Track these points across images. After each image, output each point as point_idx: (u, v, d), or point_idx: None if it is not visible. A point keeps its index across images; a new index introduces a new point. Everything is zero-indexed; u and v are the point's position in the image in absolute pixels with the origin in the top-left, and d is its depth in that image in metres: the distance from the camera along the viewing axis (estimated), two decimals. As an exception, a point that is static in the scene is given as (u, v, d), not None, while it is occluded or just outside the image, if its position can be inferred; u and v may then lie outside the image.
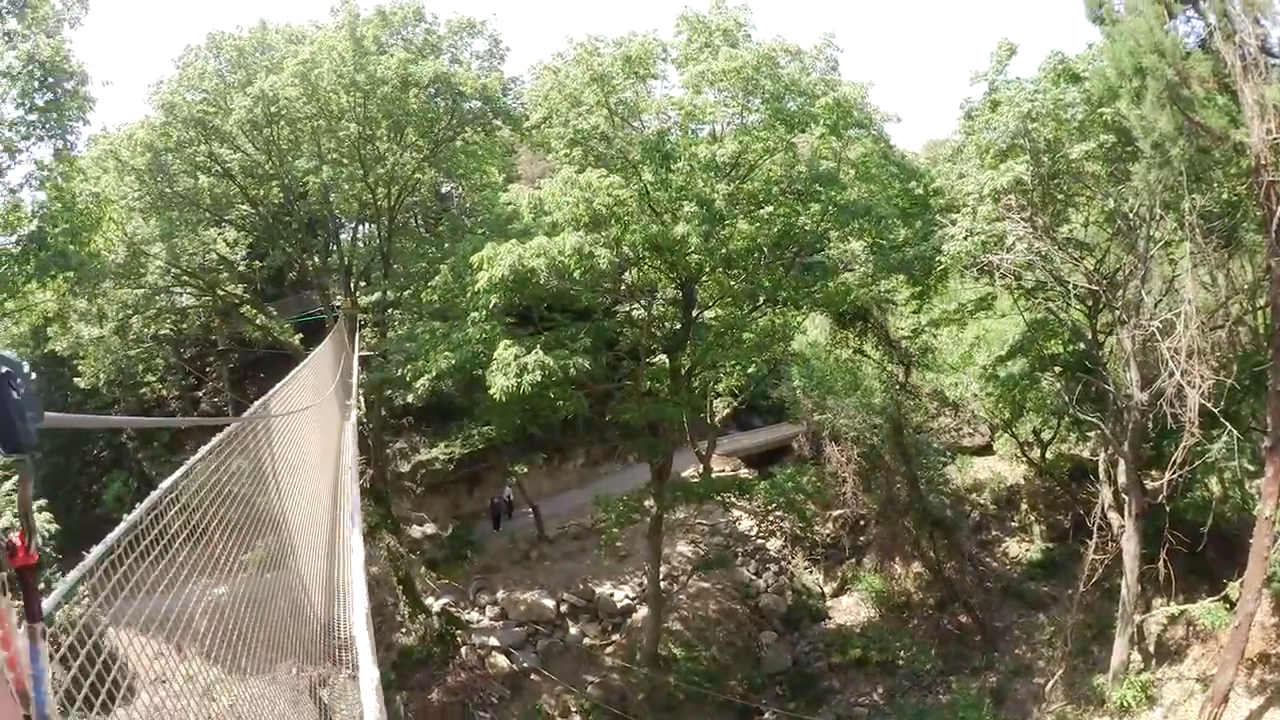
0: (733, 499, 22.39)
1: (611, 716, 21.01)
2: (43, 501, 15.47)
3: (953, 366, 25.68)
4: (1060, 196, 20.07)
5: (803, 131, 19.05)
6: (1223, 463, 17.72)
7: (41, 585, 1.35)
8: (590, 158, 19.03)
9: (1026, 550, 27.59)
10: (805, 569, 27.29)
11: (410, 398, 21.03)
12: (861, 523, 27.64)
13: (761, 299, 20.22)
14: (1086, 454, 25.83)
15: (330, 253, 24.64)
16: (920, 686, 23.80)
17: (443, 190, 26.08)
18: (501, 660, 22.31)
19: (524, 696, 21.82)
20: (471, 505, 28.15)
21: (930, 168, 23.01)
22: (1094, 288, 19.32)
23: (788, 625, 25.59)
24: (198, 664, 3.65)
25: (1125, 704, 18.80)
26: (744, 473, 27.60)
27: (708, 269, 19.04)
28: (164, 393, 27.00)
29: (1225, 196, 17.53)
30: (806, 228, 19.44)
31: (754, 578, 26.40)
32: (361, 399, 19.25)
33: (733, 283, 19.37)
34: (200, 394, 27.92)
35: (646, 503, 21.01)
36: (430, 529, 25.57)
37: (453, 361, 17.77)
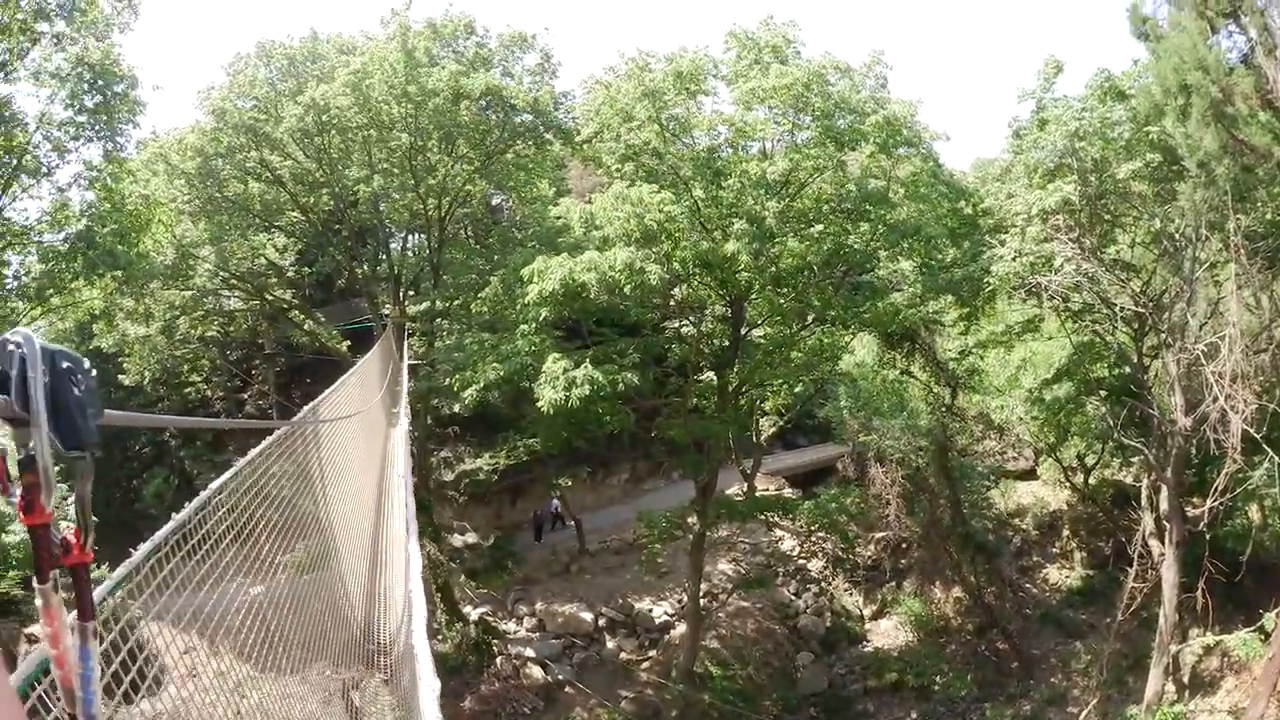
0: (776, 518, 22.18)
1: (645, 733, 20.91)
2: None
3: (999, 389, 25.37)
4: (1107, 217, 19.82)
5: (853, 149, 18.94)
6: (1263, 489, 17.45)
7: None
8: (641, 173, 19.06)
9: (1066, 577, 27.19)
10: (845, 591, 27.01)
11: (457, 407, 21.12)
12: (903, 545, 27.32)
13: (810, 318, 20.08)
14: (1129, 480, 25.40)
15: (380, 261, 24.84)
16: (954, 713, 23.45)
17: (493, 202, 26.22)
18: (536, 671, 22.27)
19: (557, 709, 21.76)
20: (514, 516, 28.14)
21: (979, 187, 22.77)
22: (1140, 310, 19.02)
23: (825, 647, 25.33)
24: (230, 660, 3.69)
25: (1157, 736, 18.48)
26: (788, 492, 27.45)
27: (757, 287, 18.94)
28: (208, 393, 27.40)
29: (1270, 216, 17.27)
30: (856, 247, 19.29)
31: (794, 598, 26.16)
32: (408, 407, 19.38)
33: (782, 301, 19.24)
34: (245, 396, 28.26)
35: (689, 519, 20.89)
36: (471, 538, 25.63)
37: (501, 373, 17.81)
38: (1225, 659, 19.69)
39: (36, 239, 17.90)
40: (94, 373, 1.22)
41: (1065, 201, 17.90)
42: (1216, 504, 16.64)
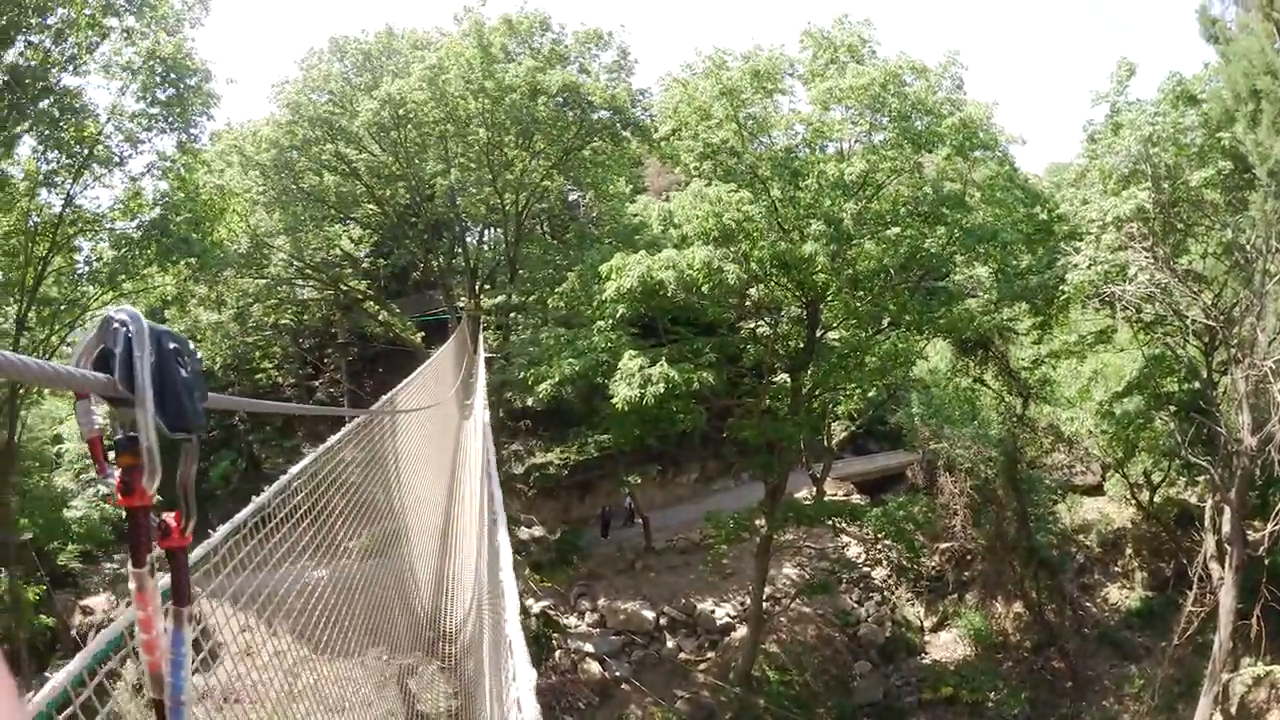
0: (843, 524, 21.98)
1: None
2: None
3: (1069, 400, 24.86)
4: (1180, 226, 19.31)
5: (929, 151, 18.73)
6: (1323, 514, 16.86)
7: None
8: (719, 171, 19.06)
9: (1126, 597, 26.51)
10: (908, 601, 26.66)
11: (529, 401, 21.28)
12: (968, 557, 26.90)
13: (886, 322, 19.90)
14: (1194, 500, 24.75)
15: (455, 254, 25.13)
16: (1005, 732, 23.07)
17: (570, 198, 26.41)
18: (594, 667, 22.34)
19: (612, 705, 21.79)
20: (582, 511, 28.13)
21: (1054, 192, 22.36)
22: (1210, 323, 18.46)
23: (883, 657, 25.00)
24: (288, 640, 3.73)
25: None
26: (856, 498, 27.23)
27: (834, 289, 18.80)
28: (279, 380, 27.93)
29: (1339, 229, 16.64)
30: (932, 250, 19.07)
31: (856, 606, 25.87)
32: (486, 399, 19.59)
33: (858, 304, 19.09)
34: (316, 384, 28.73)
35: (757, 521, 20.78)
36: (538, 531, 25.77)
37: (576, 368, 17.94)
38: (1273, 690, 19.15)
39: (109, 226, 18.52)
40: (199, 356, 1.20)
41: (1139, 209, 17.41)
42: (1277, 528, 16.19)
